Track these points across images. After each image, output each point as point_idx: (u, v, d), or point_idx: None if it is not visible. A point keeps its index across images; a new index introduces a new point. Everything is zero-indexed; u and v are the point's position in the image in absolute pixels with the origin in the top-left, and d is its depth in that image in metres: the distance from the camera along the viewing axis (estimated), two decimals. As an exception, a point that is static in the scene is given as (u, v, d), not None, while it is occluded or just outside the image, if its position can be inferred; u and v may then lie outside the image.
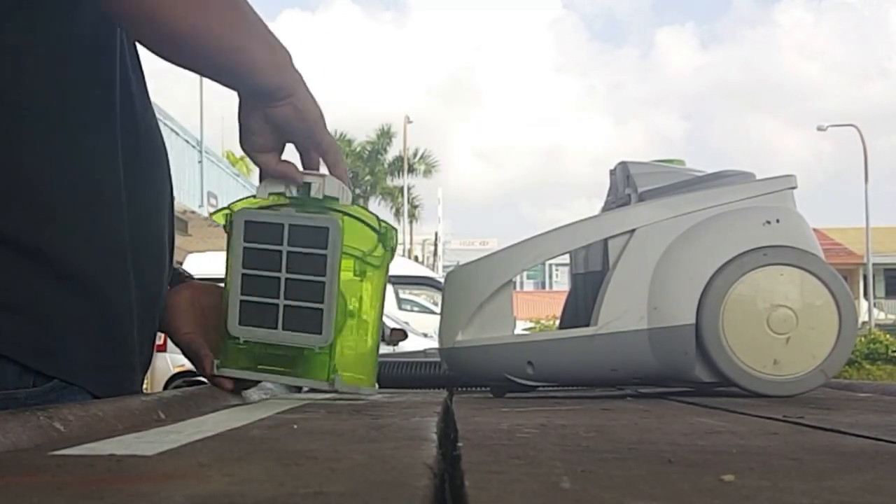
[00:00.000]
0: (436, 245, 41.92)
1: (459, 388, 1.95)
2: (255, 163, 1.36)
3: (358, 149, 38.72)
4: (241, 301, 1.33)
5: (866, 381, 2.23)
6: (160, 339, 1.50)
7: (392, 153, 38.65)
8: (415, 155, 38.23)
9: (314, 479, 0.61)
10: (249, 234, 1.33)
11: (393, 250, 1.40)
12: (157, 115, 1.40)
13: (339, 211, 1.35)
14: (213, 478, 0.61)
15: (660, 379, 1.78)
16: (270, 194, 1.37)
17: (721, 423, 1.12)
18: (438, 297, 12.22)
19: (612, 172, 1.96)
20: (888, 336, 21.20)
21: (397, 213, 38.22)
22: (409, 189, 35.83)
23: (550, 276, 58.21)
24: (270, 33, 1.24)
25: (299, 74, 1.27)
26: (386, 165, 38.80)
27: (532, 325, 25.37)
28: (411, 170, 37.16)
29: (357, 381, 1.43)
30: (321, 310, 1.31)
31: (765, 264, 1.67)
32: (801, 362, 1.66)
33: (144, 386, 1.44)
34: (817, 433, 1.00)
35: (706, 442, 0.90)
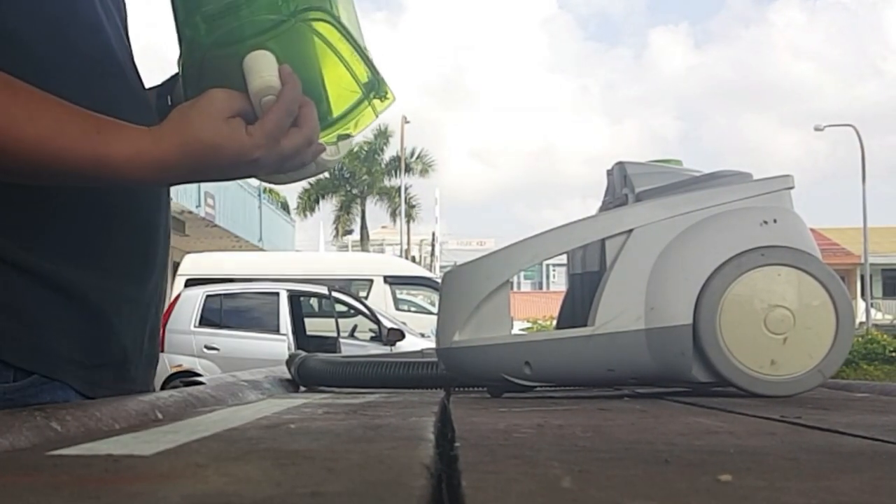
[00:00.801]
0: (433, 245, 41.91)
1: (457, 388, 1.94)
2: None
3: (356, 149, 38.69)
4: None
5: (864, 382, 2.24)
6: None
7: (389, 153, 38.66)
8: (412, 155, 38.21)
9: (311, 479, 0.61)
10: None
11: None
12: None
13: None
14: (210, 478, 0.61)
15: (657, 379, 1.78)
16: None
17: (718, 423, 1.12)
18: (436, 297, 12.22)
19: (610, 173, 1.96)
20: (886, 336, 21.23)
21: (395, 214, 38.22)
22: (406, 189, 35.80)
23: (547, 277, 58.25)
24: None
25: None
26: (383, 165, 38.77)
27: (529, 325, 25.41)
28: (408, 169, 37.15)
29: None
30: None
31: (762, 264, 1.67)
32: (798, 362, 1.66)
33: None
34: (815, 433, 1.00)
35: (703, 442, 0.90)
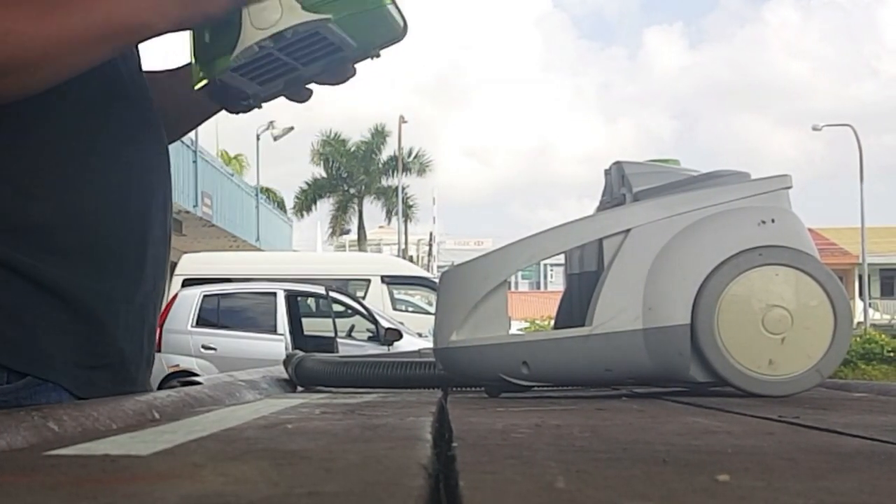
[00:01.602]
0: (430, 245, 41.92)
1: (454, 388, 1.94)
2: None
3: (353, 148, 38.69)
4: None
5: (862, 381, 2.24)
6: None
7: (385, 153, 38.65)
8: (409, 154, 38.20)
9: (308, 479, 0.61)
10: None
11: None
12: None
13: None
14: (207, 478, 0.61)
15: (655, 379, 1.78)
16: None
17: (716, 423, 1.12)
18: (433, 297, 12.23)
19: (607, 172, 1.96)
20: (883, 336, 21.26)
21: (392, 214, 38.22)
22: (403, 189, 35.82)
23: (545, 277, 58.30)
24: None
25: None
26: (380, 165, 38.76)
27: (527, 325, 25.40)
28: (406, 169, 37.15)
29: None
30: None
31: (760, 264, 1.67)
32: (796, 362, 1.65)
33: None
34: (813, 433, 1.00)
35: (701, 442, 0.89)
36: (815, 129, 33.24)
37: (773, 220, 1.70)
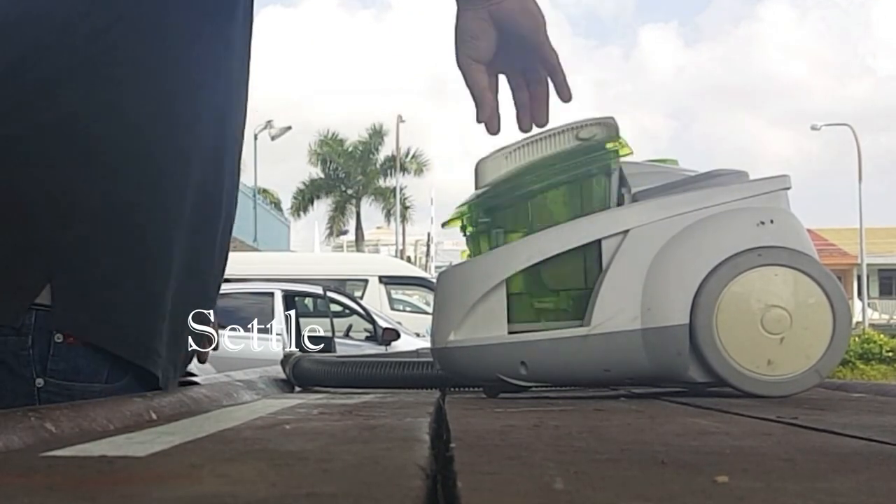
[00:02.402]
0: (428, 245, 41.91)
1: (452, 389, 1.94)
2: (468, 81, 1.34)
3: (350, 148, 38.67)
4: None
5: (860, 382, 2.24)
6: None
7: (383, 153, 38.63)
8: (407, 154, 38.19)
9: (306, 479, 0.61)
10: None
11: None
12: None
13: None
14: (204, 479, 0.61)
15: (653, 379, 1.78)
16: None
17: (715, 423, 1.12)
18: (431, 297, 12.23)
19: (606, 172, 1.95)
20: (882, 336, 21.24)
21: (390, 214, 38.21)
22: (401, 189, 35.80)
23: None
24: None
25: None
26: (378, 166, 38.74)
27: (525, 325, 25.35)
28: (403, 169, 37.15)
29: None
30: None
31: (759, 265, 1.67)
32: (795, 362, 1.65)
33: None
34: (811, 434, 1.00)
35: (700, 443, 0.89)
36: (813, 128, 33.25)
37: (771, 221, 1.70)
